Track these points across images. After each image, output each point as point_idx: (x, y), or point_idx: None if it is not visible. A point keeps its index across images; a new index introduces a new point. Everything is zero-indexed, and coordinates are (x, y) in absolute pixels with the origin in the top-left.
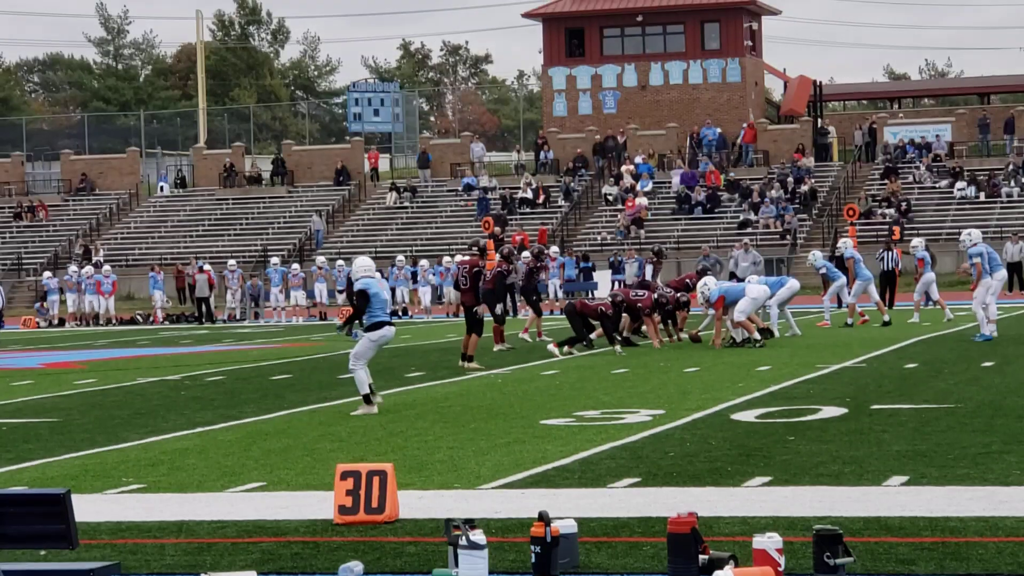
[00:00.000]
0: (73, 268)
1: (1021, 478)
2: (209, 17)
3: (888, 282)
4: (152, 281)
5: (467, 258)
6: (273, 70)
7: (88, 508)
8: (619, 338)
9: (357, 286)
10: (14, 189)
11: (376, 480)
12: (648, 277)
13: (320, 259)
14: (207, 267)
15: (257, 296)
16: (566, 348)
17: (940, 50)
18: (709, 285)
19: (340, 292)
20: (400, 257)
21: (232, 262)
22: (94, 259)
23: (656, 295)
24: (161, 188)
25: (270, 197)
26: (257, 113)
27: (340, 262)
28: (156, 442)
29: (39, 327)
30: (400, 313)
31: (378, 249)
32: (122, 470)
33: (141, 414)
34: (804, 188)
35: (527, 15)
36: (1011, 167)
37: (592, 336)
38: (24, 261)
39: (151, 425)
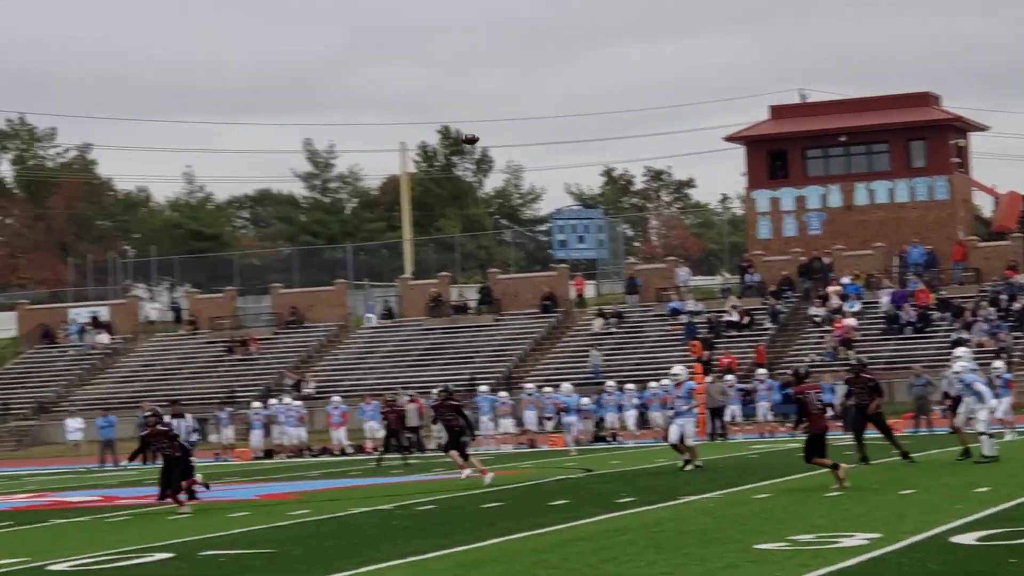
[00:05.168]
0: (272, 401)
1: None
2: (413, 148)
3: None
4: (361, 411)
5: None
6: (477, 199)
7: None
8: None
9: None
10: (227, 323)
11: None
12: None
13: (529, 386)
14: (416, 397)
15: None
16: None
17: None
18: None
19: (548, 419)
20: (610, 383)
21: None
22: (304, 391)
23: None
24: (369, 319)
25: (477, 326)
26: (462, 242)
27: (548, 388)
28: (369, 572)
29: (254, 459)
30: (610, 438)
31: (586, 376)
32: None
33: (355, 544)
34: (1018, 305)
35: (729, 139)
36: None
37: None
38: (237, 394)
39: (364, 555)
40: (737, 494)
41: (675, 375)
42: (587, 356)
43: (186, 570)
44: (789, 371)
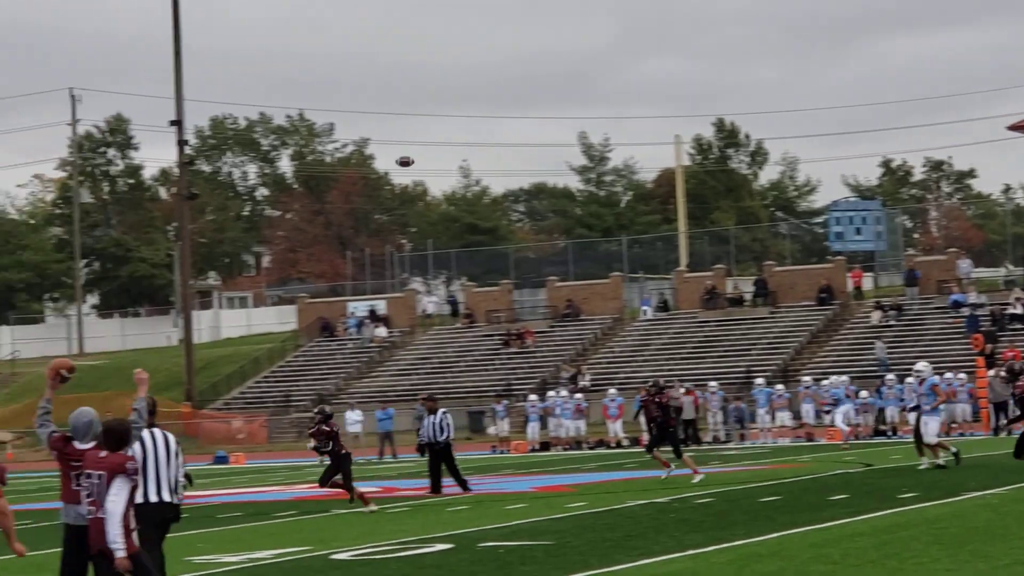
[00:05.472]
0: (550, 393)
1: None
2: (688, 141)
3: None
4: (637, 404)
5: None
6: (752, 191)
7: None
8: None
9: None
10: (503, 316)
11: None
12: None
13: (806, 379)
14: (692, 389)
15: (742, 418)
16: None
17: None
18: None
19: (827, 412)
20: (889, 376)
21: (713, 384)
22: (580, 383)
23: None
24: (644, 312)
25: (752, 318)
26: (737, 235)
27: (825, 381)
28: (647, 565)
29: (530, 451)
30: (890, 432)
31: (864, 369)
32: None
33: (632, 536)
34: None
35: (1013, 127)
36: None
37: None
38: (513, 387)
39: (642, 547)
40: (1023, 490)
41: (918, 371)
42: (864, 349)
43: (466, 561)
44: None
